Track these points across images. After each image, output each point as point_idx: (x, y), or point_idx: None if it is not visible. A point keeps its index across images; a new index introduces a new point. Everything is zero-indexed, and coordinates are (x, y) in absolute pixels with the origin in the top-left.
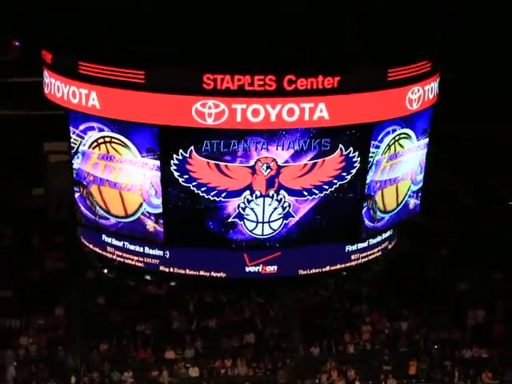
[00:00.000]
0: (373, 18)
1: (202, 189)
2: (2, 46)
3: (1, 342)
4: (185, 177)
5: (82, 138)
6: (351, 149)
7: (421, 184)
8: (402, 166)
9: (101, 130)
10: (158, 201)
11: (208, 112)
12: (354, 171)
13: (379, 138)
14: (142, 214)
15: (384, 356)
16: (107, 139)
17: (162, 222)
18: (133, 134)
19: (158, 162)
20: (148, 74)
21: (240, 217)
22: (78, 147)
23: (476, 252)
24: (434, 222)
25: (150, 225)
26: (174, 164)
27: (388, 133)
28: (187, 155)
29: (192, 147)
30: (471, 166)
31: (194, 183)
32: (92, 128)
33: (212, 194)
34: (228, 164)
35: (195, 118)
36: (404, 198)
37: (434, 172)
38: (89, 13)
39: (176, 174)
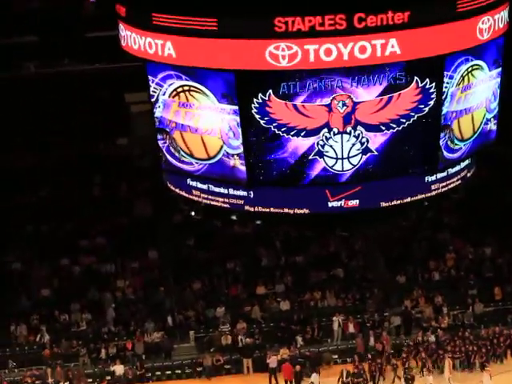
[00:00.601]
0: None
1: (283, 129)
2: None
3: (99, 285)
4: (266, 119)
5: (161, 86)
6: (427, 80)
7: (495, 111)
8: (476, 96)
9: (179, 78)
10: (238, 142)
11: (282, 54)
12: (431, 103)
13: (452, 69)
14: (223, 155)
15: (469, 281)
16: (186, 88)
17: (243, 162)
18: (209, 81)
19: (235, 107)
20: (220, 21)
21: (320, 154)
22: (158, 96)
23: None
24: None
25: (232, 164)
26: (255, 107)
27: (461, 64)
28: (266, 98)
29: (270, 90)
30: None
31: (274, 124)
32: (170, 76)
33: (292, 133)
34: (305, 104)
35: (269, 60)
36: (480, 126)
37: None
38: None
39: (257, 116)
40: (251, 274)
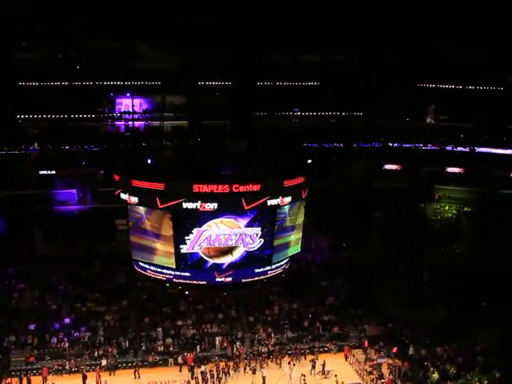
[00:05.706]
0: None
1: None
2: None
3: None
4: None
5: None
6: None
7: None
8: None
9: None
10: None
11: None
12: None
13: (279, 215)
14: None
15: (285, 321)
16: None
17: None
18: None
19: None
20: (166, 186)
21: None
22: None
23: None
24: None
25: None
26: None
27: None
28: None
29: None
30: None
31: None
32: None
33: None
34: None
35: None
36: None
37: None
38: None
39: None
40: (175, 314)
